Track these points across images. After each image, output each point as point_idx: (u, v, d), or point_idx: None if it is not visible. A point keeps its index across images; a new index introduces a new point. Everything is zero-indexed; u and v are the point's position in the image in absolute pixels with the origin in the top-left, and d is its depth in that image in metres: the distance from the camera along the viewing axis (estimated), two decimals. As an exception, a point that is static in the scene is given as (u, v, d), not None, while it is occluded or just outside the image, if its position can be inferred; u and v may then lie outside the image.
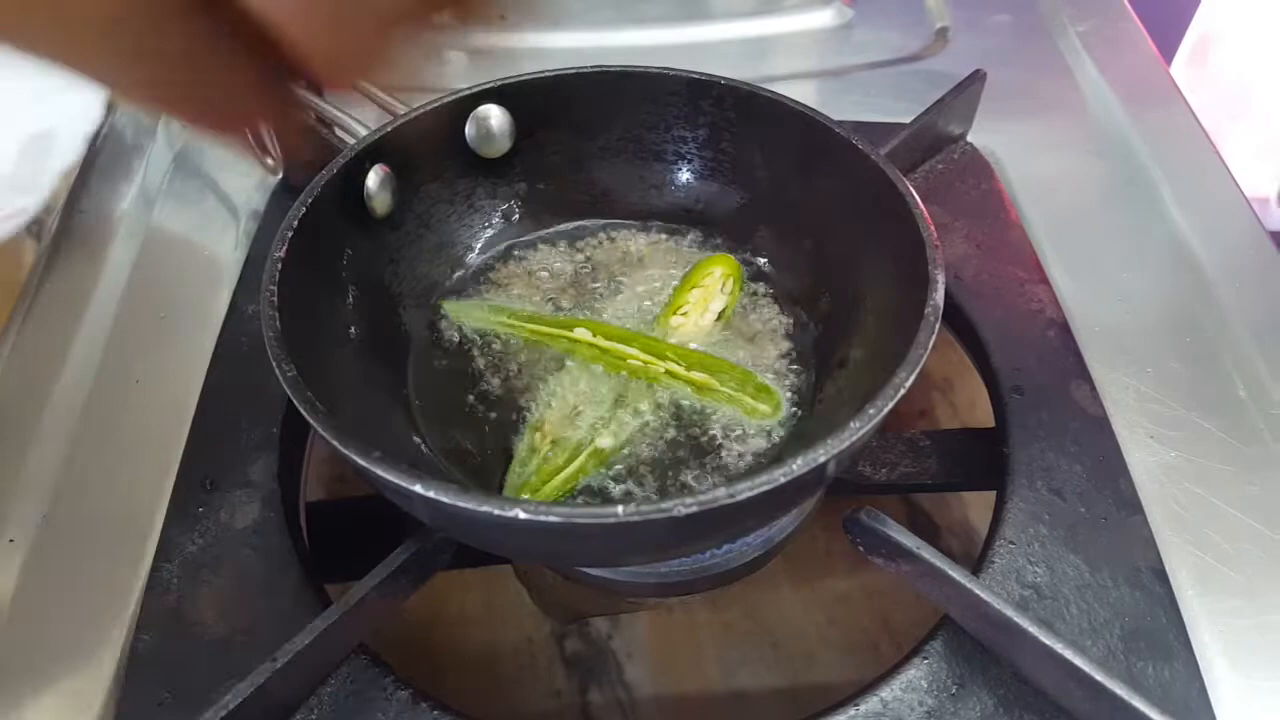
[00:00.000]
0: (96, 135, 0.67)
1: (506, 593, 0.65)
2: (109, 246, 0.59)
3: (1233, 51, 1.25)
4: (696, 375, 0.45)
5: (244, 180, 0.63)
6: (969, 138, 0.65)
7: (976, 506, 0.68)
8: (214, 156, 0.66)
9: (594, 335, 0.48)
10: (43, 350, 0.54)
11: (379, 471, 0.33)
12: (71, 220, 0.62)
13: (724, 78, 0.50)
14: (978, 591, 0.38)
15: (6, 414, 0.50)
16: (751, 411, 0.45)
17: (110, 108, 0.70)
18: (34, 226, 0.76)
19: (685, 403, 0.46)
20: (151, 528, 0.45)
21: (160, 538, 0.45)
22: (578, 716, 0.62)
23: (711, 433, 0.45)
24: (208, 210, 0.62)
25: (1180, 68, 1.26)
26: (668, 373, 0.46)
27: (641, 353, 0.47)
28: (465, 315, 0.50)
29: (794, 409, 0.46)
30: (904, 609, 0.66)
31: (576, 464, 0.43)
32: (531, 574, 0.56)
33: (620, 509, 0.32)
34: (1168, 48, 1.20)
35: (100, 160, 0.66)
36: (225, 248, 0.59)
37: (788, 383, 0.47)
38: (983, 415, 0.63)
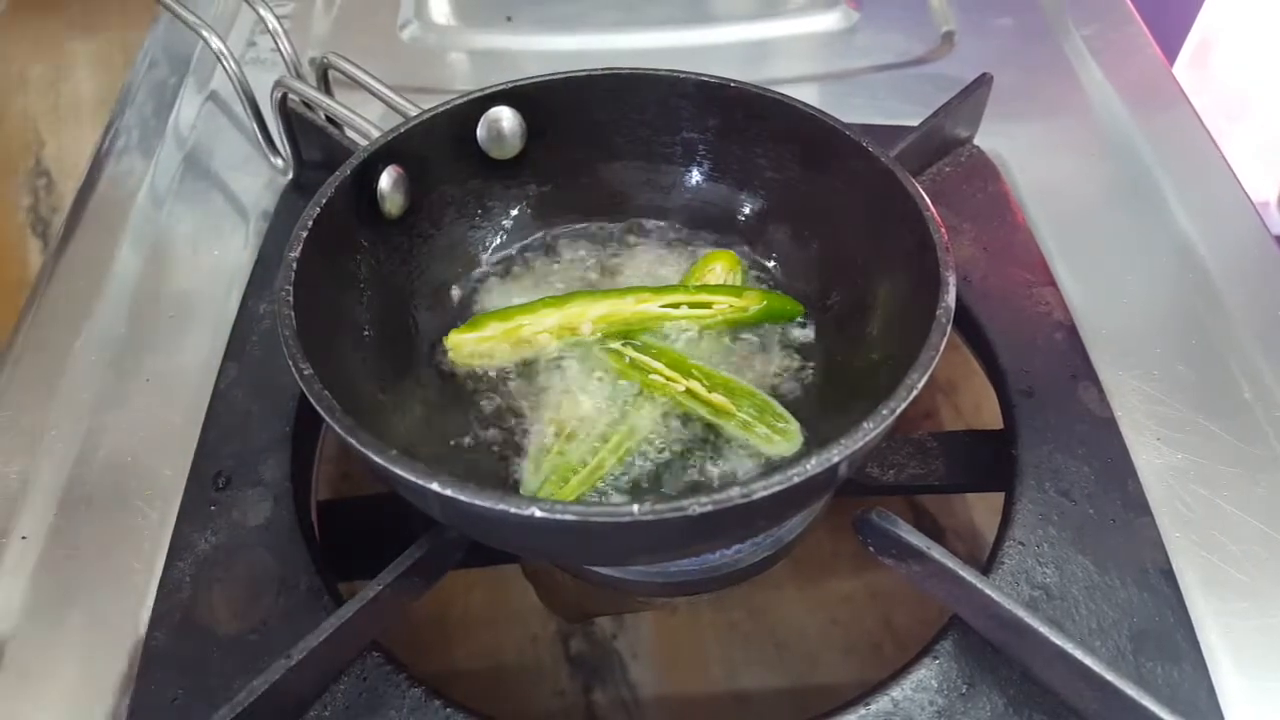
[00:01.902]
0: (105, 136, 0.68)
1: (511, 591, 0.65)
2: (118, 246, 0.59)
3: (1233, 55, 1.25)
4: (716, 398, 0.45)
5: (254, 180, 0.63)
6: (975, 140, 0.65)
7: (980, 509, 0.69)
8: (224, 156, 0.66)
9: (623, 344, 0.48)
10: (52, 349, 0.54)
11: (396, 470, 0.34)
12: (80, 220, 0.62)
13: (734, 80, 0.51)
14: (988, 592, 0.39)
15: (18, 412, 0.51)
16: (765, 441, 0.44)
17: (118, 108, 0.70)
18: (40, 226, 0.77)
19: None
20: (164, 526, 0.46)
21: (173, 536, 0.45)
22: (582, 716, 0.62)
23: (724, 434, 0.45)
24: (217, 210, 0.62)
25: (1181, 70, 1.26)
26: (688, 391, 0.46)
27: (666, 368, 0.47)
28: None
29: (802, 423, 0.46)
30: (907, 610, 0.66)
31: (594, 461, 0.43)
32: (539, 573, 0.57)
33: (636, 507, 0.32)
34: (1169, 50, 1.21)
35: (109, 161, 0.66)
36: (235, 247, 0.59)
37: (796, 383, 0.47)
38: (987, 417, 0.63)
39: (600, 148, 0.54)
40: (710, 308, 0.49)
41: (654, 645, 0.65)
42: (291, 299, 0.39)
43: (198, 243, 0.60)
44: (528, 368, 0.48)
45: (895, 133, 0.59)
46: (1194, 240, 0.60)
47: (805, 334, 0.50)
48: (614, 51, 0.76)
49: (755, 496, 0.32)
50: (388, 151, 0.47)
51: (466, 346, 0.48)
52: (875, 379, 0.42)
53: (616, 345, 0.48)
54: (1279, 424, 0.50)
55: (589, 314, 0.49)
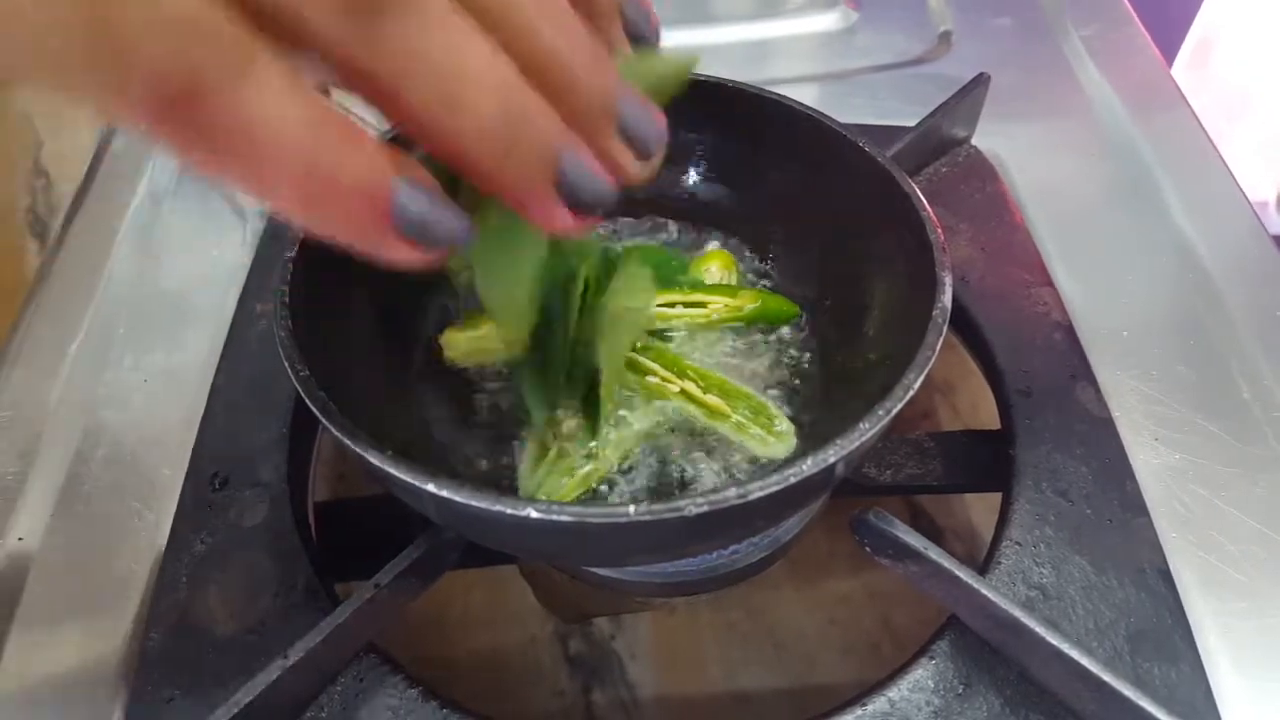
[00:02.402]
0: (104, 136, 0.68)
1: (510, 592, 0.65)
2: (116, 246, 0.59)
3: (1233, 55, 1.25)
4: (711, 399, 0.45)
5: (251, 180, 0.63)
6: (973, 141, 0.65)
7: (978, 509, 0.69)
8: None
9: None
10: (50, 349, 0.54)
11: (392, 471, 0.33)
12: (78, 221, 0.62)
13: (731, 80, 0.51)
14: (985, 592, 0.39)
15: (16, 412, 0.51)
16: (760, 443, 0.44)
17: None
18: (39, 227, 0.77)
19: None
20: (161, 526, 0.46)
21: (169, 536, 0.45)
22: (581, 716, 0.62)
23: (719, 436, 0.45)
24: (215, 210, 0.62)
25: (1180, 71, 1.26)
26: (682, 392, 0.46)
27: (662, 369, 0.46)
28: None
29: (799, 424, 0.46)
30: (905, 610, 0.66)
31: (592, 464, 0.43)
32: (537, 573, 0.57)
33: (632, 508, 0.32)
34: (1168, 51, 1.21)
35: (107, 161, 0.66)
36: (233, 247, 0.59)
37: (793, 384, 0.47)
38: (984, 418, 0.63)
39: (598, 147, 0.53)
40: (706, 307, 0.49)
41: (652, 645, 0.65)
42: (288, 300, 0.39)
43: (195, 243, 0.60)
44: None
45: (893, 133, 0.59)
46: (1193, 241, 0.60)
47: (802, 334, 0.50)
48: (612, 51, 0.76)
49: (752, 497, 0.32)
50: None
51: (463, 345, 0.48)
52: (872, 379, 0.42)
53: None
54: (1277, 424, 0.50)
55: None
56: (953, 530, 0.69)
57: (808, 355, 0.49)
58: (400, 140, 0.47)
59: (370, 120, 0.53)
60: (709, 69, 0.51)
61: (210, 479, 0.47)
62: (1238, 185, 0.63)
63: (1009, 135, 0.66)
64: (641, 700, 0.63)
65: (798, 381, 0.48)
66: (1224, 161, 0.65)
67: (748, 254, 0.53)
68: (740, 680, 0.64)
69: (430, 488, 0.33)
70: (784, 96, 0.49)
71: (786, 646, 0.65)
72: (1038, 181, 0.64)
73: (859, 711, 0.40)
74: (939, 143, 0.63)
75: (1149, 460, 0.48)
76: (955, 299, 0.39)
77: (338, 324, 0.44)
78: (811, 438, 0.45)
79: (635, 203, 0.55)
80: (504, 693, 0.63)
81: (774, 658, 0.65)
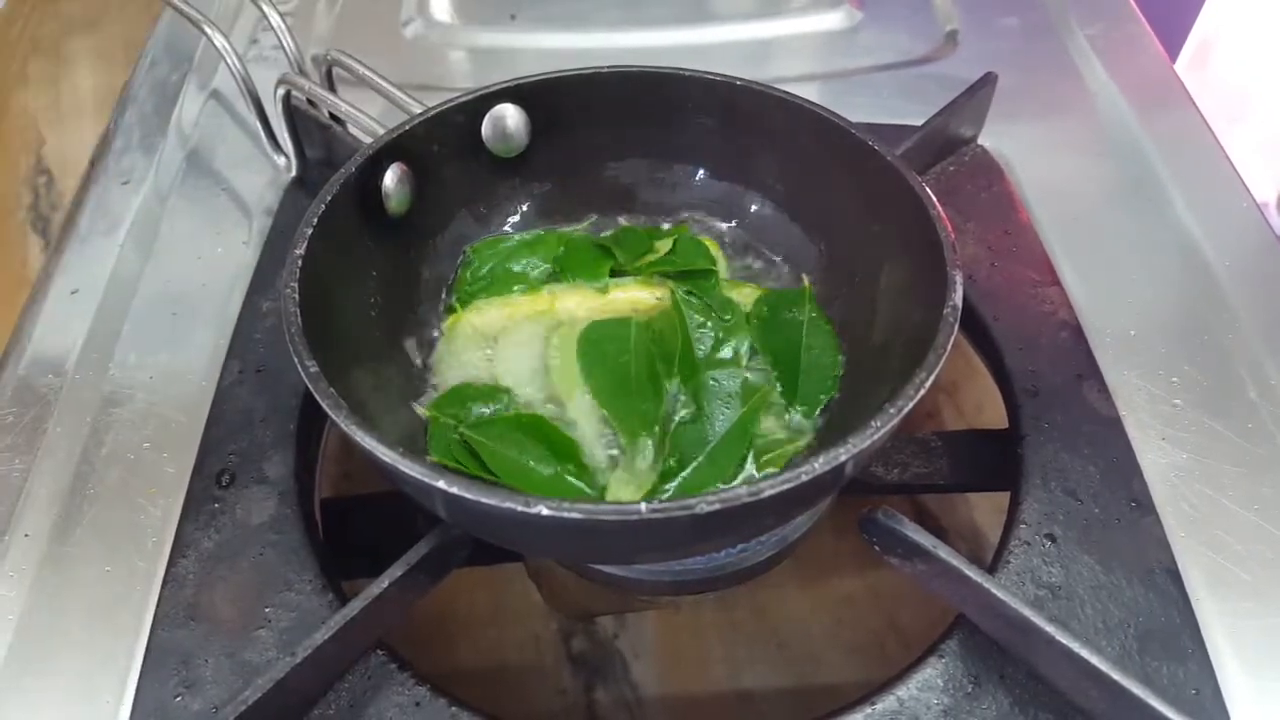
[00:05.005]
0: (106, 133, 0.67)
1: (513, 591, 0.65)
2: (120, 244, 0.59)
3: (1234, 56, 1.25)
4: None
5: (257, 178, 0.63)
6: (979, 140, 0.65)
7: (982, 508, 0.68)
8: (226, 154, 0.66)
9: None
10: (55, 347, 0.54)
11: (401, 468, 0.33)
12: (81, 218, 0.61)
13: (739, 78, 0.50)
14: (995, 591, 0.39)
15: (21, 409, 0.50)
16: None
17: (119, 106, 0.70)
18: (41, 224, 0.76)
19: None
20: (168, 523, 0.45)
21: (177, 533, 0.45)
22: (584, 715, 0.62)
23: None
24: (220, 208, 0.62)
25: (1180, 72, 1.26)
26: None
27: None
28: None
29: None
30: (911, 610, 0.66)
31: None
32: (543, 571, 0.57)
33: (643, 506, 0.32)
34: (1169, 52, 1.21)
35: (110, 159, 0.66)
36: (238, 245, 0.59)
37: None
38: (989, 418, 0.63)
39: (605, 145, 0.53)
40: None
41: (656, 644, 0.65)
42: (297, 296, 0.39)
43: (200, 241, 0.60)
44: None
45: (899, 132, 0.59)
46: (1199, 240, 0.60)
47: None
48: (617, 50, 0.76)
49: (763, 495, 0.32)
50: (392, 149, 0.47)
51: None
52: (882, 377, 0.42)
53: None
54: (1284, 424, 0.50)
55: (587, 305, 0.49)
56: (956, 530, 0.69)
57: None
58: (402, 142, 0.47)
59: (377, 119, 0.53)
60: (714, 67, 0.51)
61: (217, 476, 0.47)
62: (1243, 184, 0.63)
63: (1015, 134, 0.66)
64: (644, 699, 0.63)
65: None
66: (1230, 161, 0.65)
67: (751, 250, 0.53)
68: (744, 680, 0.64)
69: (440, 484, 0.33)
70: (793, 94, 0.49)
71: (791, 646, 0.65)
72: (1044, 180, 0.64)
73: (868, 710, 0.40)
74: (946, 142, 0.63)
75: (1156, 460, 0.48)
76: (963, 297, 0.39)
77: (345, 320, 0.44)
78: (820, 436, 0.45)
79: (643, 199, 0.55)
80: (507, 691, 0.63)
81: (778, 657, 0.65)
